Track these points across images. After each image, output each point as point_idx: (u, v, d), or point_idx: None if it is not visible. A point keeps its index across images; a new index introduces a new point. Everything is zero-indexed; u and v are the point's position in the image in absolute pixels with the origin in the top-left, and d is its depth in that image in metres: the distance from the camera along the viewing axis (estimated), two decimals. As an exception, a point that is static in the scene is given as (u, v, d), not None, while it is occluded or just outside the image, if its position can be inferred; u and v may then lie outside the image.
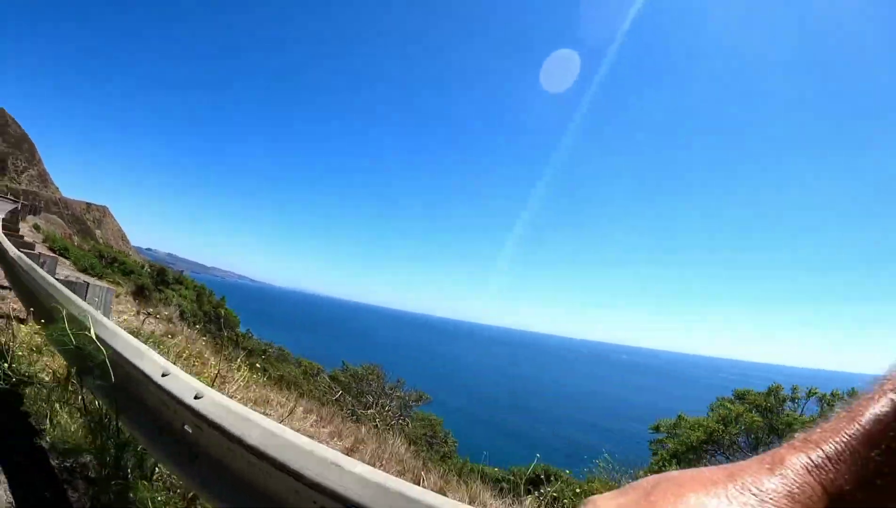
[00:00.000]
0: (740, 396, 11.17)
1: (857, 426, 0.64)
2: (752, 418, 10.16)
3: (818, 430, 0.65)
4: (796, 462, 0.64)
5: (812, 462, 0.64)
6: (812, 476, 0.64)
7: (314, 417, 5.58)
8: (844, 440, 0.64)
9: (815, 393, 10.40)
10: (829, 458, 0.64)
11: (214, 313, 14.58)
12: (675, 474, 0.64)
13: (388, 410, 12.49)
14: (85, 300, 3.90)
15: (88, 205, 62.91)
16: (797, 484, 0.64)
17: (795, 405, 10.73)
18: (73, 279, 5.93)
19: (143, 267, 16.27)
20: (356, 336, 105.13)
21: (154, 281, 14.12)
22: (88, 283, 5.51)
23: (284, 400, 5.72)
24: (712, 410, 11.03)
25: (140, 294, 11.05)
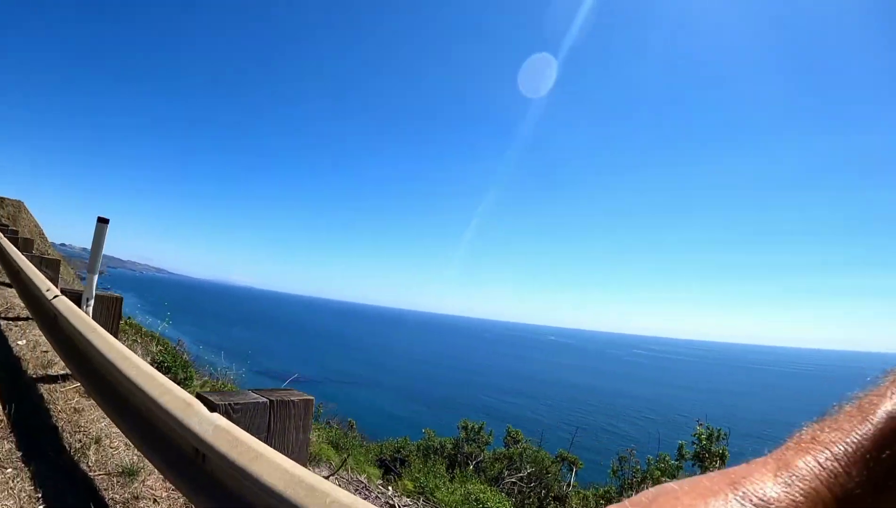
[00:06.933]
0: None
1: (868, 425, 0.59)
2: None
3: (827, 429, 0.60)
4: (803, 465, 0.60)
5: (820, 465, 0.60)
6: (820, 480, 0.60)
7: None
8: (855, 440, 0.59)
9: None
10: (837, 460, 0.59)
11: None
12: (673, 486, 0.60)
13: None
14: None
15: (2, 200, 56.47)
16: (803, 491, 0.60)
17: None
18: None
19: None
20: (285, 325, 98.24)
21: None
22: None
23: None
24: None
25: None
